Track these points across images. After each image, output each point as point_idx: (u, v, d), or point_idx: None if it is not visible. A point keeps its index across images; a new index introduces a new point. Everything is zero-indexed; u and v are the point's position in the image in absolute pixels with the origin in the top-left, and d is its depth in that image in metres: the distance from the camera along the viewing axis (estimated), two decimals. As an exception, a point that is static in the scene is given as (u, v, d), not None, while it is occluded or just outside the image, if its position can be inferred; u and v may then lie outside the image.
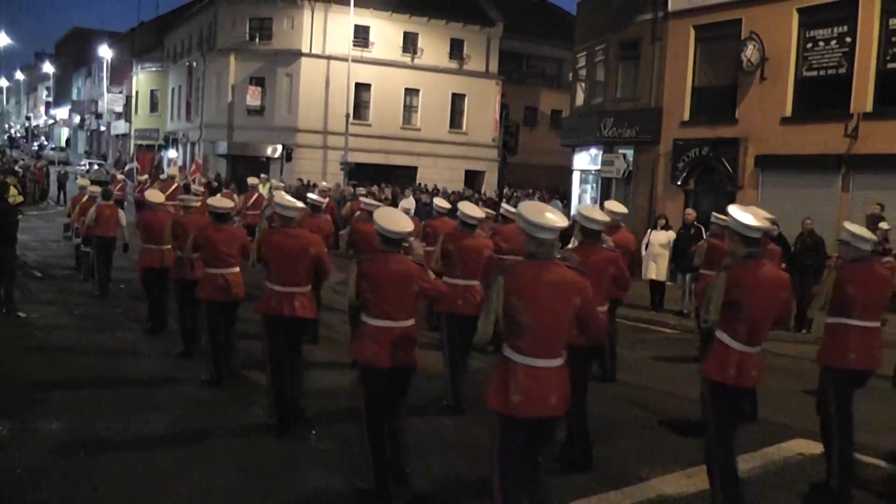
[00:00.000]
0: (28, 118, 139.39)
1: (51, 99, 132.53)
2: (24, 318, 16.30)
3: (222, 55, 56.62)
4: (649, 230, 23.01)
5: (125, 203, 31.43)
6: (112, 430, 9.82)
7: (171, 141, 69.06)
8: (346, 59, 50.18)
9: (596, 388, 12.54)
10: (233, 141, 56.22)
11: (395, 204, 32.43)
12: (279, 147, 53.58)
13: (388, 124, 56.77)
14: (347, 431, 9.63)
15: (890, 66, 24.49)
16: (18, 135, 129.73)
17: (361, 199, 17.48)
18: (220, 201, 12.37)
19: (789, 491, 9.03)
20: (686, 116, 30.66)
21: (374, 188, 39.10)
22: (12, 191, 18.63)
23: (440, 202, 16.50)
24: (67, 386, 11.64)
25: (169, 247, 14.67)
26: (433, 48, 58.13)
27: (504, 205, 17.99)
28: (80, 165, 76.64)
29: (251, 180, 26.46)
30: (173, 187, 24.71)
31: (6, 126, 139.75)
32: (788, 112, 27.10)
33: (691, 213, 22.09)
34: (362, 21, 54.18)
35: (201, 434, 9.91)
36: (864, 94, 24.89)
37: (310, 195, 17.07)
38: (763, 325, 7.50)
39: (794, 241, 19.82)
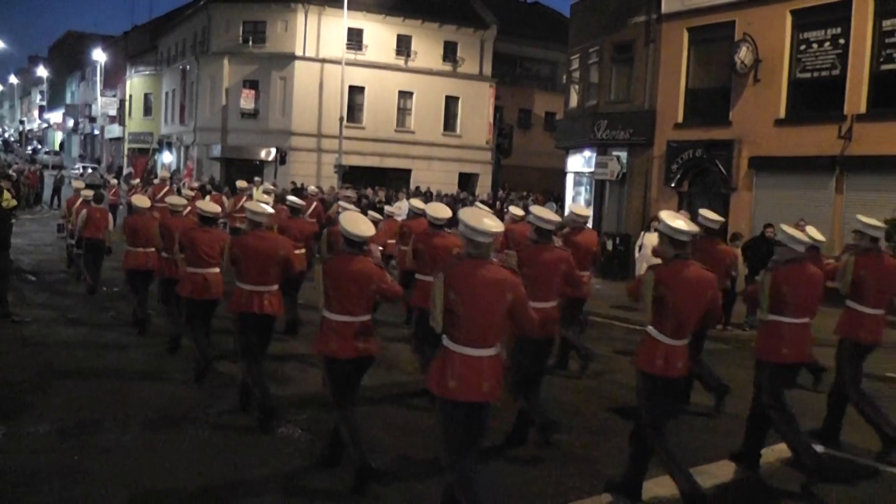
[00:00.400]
0: (22, 122, 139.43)
1: (45, 103, 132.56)
2: (18, 321, 16.26)
3: (216, 58, 56.54)
4: (643, 232, 23.02)
5: (119, 207, 31.49)
6: (106, 433, 9.79)
7: (165, 145, 69.02)
8: (339, 62, 50.08)
9: (589, 389, 12.55)
10: (227, 144, 56.10)
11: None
12: (273, 150, 53.47)
13: (382, 127, 56.73)
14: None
15: (884, 67, 24.53)
16: (12, 139, 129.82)
17: (341, 202, 17.84)
18: (207, 205, 12.95)
19: (781, 492, 9.01)
20: (680, 118, 30.68)
21: (368, 191, 39.16)
22: (6, 195, 18.63)
23: (416, 203, 17.13)
24: (61, 389, 11.62)
25: (153, 249, 15.27)
26: (427, 51, 58.09)
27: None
28: (73, 169, 76.64)
29: (240, 184, 26.67)
30: (164, 190, 24.72)
31: (0, 130, 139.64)
32: (782, 114, 27.12)
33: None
34: (356, 24, 54.08)
35: (197, 436, 9.88)
36: (857, 96, 24.91)
37: (289, 198, 17.76)
38: (688, 320, 8.12)
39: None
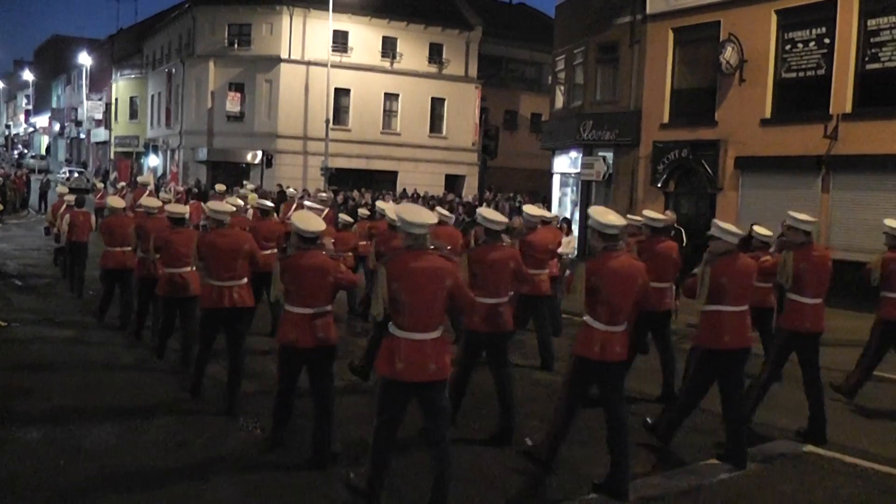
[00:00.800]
0: (8, 126, 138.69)
1: (30, 107, 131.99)
2: (5, 326, 16.18)
3: (201, 61, 56.43)
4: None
5: (105, 210, 31.45)
6: (93, 439, 9.71)
7: (151, 148, 68.87)
8: (325, 65, 49.95)
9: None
10: (213, 147, 55.96)
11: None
12: (259, 153, 53.45)
13: (368, 129, 56.68)
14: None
15: (869, 66, 24.58)
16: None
17: (305, 202, 18.17)
18: (176, 207, 13.73)
19: (772, 491, 9.00)
20: (665, 119, 30.73)
21: (354, 193, 39.11)
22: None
23: (382, 204, 17.37)
24: (48, 394, 11.48)
25: (130, 248, 15.63)
26: (412, 53, 58.06)
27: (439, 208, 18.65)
28: (60, 174, 76.35)
29: (219, 187, 26.92)
30: (145, 194, 24.72)
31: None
32: (768, 114, 27.17)
33: (671, 215, 22.04)
34: (341, 26, 54.03)
35: (182, 441, 9.79)
36: (843, 96, 24.95)
37: (259, 200, 18.62)
38: (621, 308, 8.62)
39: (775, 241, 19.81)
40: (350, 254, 14.97)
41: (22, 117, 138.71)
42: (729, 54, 27.57)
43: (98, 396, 11.58)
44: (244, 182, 40.56)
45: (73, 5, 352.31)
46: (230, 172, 52.10)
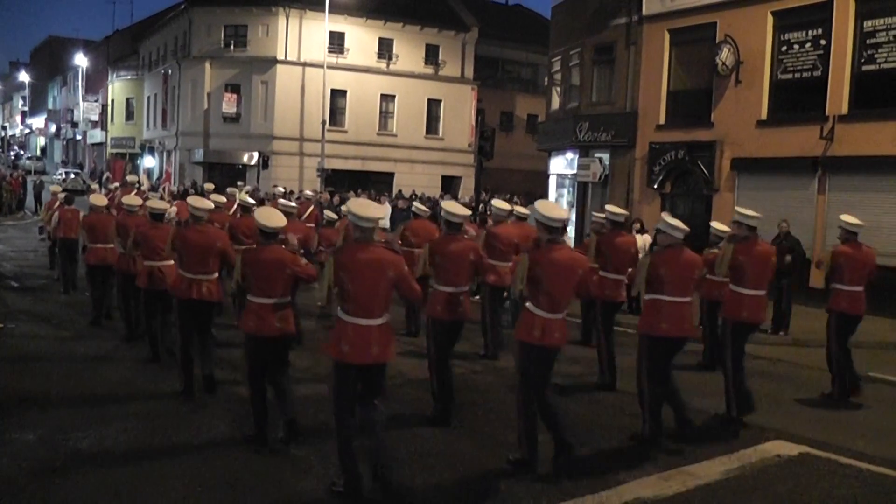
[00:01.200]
0: (4, 128, 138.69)
1: (26, 108, 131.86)
2: (1, 328, 16.17)
3: (197, 62, 56.40)
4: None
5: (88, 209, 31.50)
6: (89, 441, 9.68)
7: (147, 149, 68.84)
8: (321, 66, 50.00)
9: (573, 391, 12.49)
10: (209, 148, 55.98)
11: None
12: (255, 154, 53.51)
13: (365, 131, 56.72)
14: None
15: (865, 68, 24.57)
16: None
17: (280, 200, 18.70)
18: (156, 203, 14.43)
19: (766, 493, 8.99)
20: (662, 120, 30.72)
21: (350, 194, 39.05)
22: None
23: (349, 204, 17.69)
24: (44, 397, 11.45)
25: (112, 245, 16.45)
26: (408, 54, 58.12)
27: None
28: (56, 175, 76.29)
29: (207, 186, 27.22)
30: (132, 193, 24.80)
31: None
32: (764, 115, 27.16)
33: (668, 215, 22.00)
34: (337, 27, 54.11)
35: (181, 442, 9.78)
36: (839, 97, 24.95)
37: (241, 197, 19.48)
38: (560, 296, 9.11)
39: (771, 243, 19.81)
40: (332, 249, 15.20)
41: (18, 118, 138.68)
42: (725, 55, 27.57)
43: (95, 398, 11.58)
44: (238, 182, 40.55)
45: (69, 7, 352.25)
46: (226, 174, 52.10)
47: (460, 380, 12.70)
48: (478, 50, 61.34)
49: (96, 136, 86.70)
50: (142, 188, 29.27)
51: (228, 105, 54.98)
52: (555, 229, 9.17)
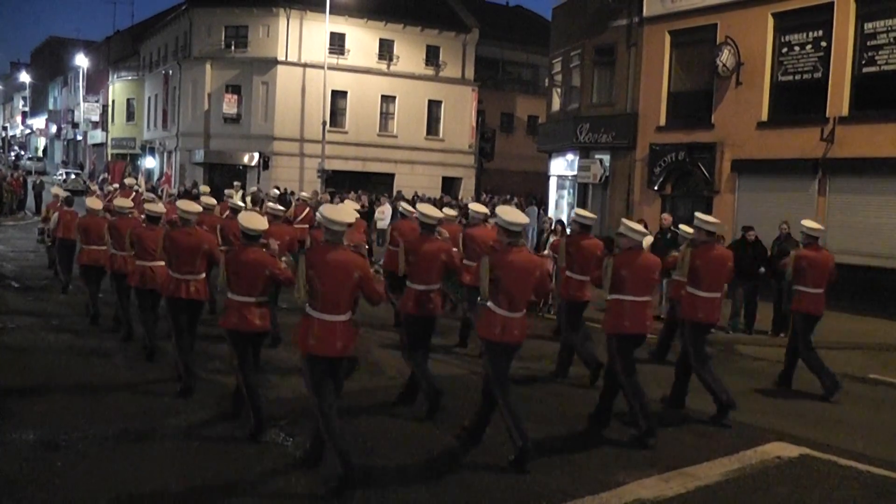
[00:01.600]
0: (4, 128, 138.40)
1: (27, 108, 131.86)
2: (1, 328, 16.18)
3: (198, 63, 56.33)
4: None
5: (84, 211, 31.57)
6: (88, 439, 9.69)
7: (147, 150, 68.82)
8: (321, 67, 49.87)
9: (574, 393, 12.51)
10: (209, 149, 55.92)
11: (372, 211, 32.83)
12: (256, 155, 53.44)
13: (365, 131, 56.64)
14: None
15: (866, 70, 24.59)
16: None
17: (269, 204, 19.27)
18: (153, 206, 14.84)
19: (767, 494, 8.99)
20: (662, 121, 30.74)
21: (351, 195, 39.09)
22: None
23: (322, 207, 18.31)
24: (44, 395, 11.49)
25: (105, 247, 16.43)
26: (409, 55, 58.08)
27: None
28: (56, 175, 76.25)
29: (203, 188, 27.47)
30: (131, 196, 24.86)
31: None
32: (764, 116, 27.17)
33: (668, 217, 21.97)
34: (338, 28, 54.06)
35: (179, 441, 9.79)
36: (840, 99, 24.97)
37: (231, 200, 20.26)
38: (519, 297, 9.63)
39: (771, 245, 19.83)
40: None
41: (18, 119, 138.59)
42: (726, 57, 27.58)
43: (95, 397, 11.57)
44: (235, 183, 40.58)
45: (69, 7, 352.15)
46: (227, 174, 51.99)
47: (459, 380, 12.79)
48: (478, 51, 61.26)
49: (97, 136, 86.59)
50: (139, 190, 29.25)
51: (229, 106, 54.90)
52: (514, 233, 9.67)
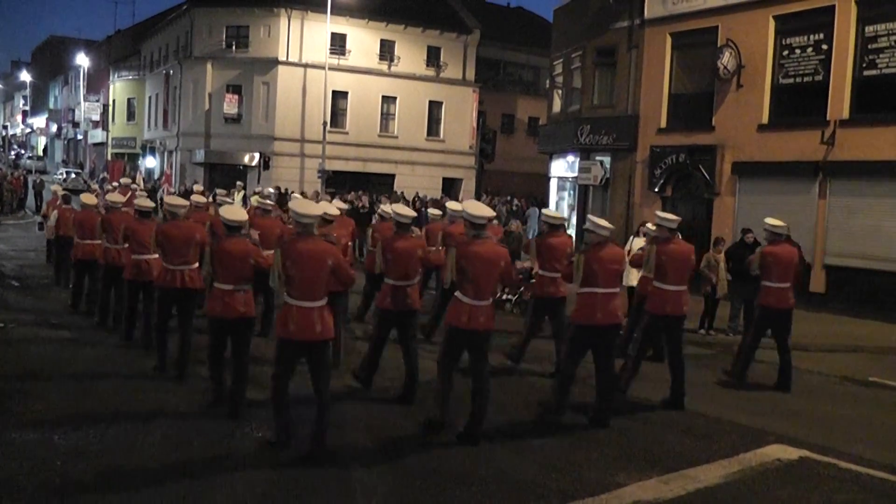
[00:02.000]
0: (5, 127, 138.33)
1: (28, 108, 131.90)
2: (1, 327, 16.16)
3: (199, 63, 56.33)
4: (632, 237, 22.95)
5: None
6: (90, 439, 9.67)
7: (148, 149, 68.81)
8: (322, 67, 49.81)
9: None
10: (210, 149, 55.89)
11: (372, 212, 32.84)
12: (256, 155, 53.43)
13: (366, 132, 56.66)
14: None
15: (867, 73, 24.60)
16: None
17: (254, 198, 19.46)
18: (144, 202, 15.54)
19: (766, 497, 8.99)
20: (663, 123, 30.75)
21: (351, 195, 39.09)
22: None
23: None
24: (45, 395, 11.45)
25: (99, 241, 17.06)
26: (410, 56, 58.11)
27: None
28: (57, 174, 76.20)
29: (196, 187, 27.70)
30: (129, 195, 24.94)
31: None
32: (765, 119, 27.19)
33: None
34: (339, 29, 54.07)
35: (180, 441, 9.76)
36: (840, 102, 24.98)
37: (220, 198, 20.88)
38: (484, 286, 10.17)
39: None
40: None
41: (19, 118, 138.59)
42: (727, 59, 27.60)
43: (95, 397, 11.54)
44: (237, 183, 40.64)
45: (70, 6, 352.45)
46: (227, 174, 52.03)
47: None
48: (479, 52, 61.29)
49: (97, 135, 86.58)
50: (136, 190, 29.38)
51: (229, 106, 54.88)
52: (479, 226, 10.25)
